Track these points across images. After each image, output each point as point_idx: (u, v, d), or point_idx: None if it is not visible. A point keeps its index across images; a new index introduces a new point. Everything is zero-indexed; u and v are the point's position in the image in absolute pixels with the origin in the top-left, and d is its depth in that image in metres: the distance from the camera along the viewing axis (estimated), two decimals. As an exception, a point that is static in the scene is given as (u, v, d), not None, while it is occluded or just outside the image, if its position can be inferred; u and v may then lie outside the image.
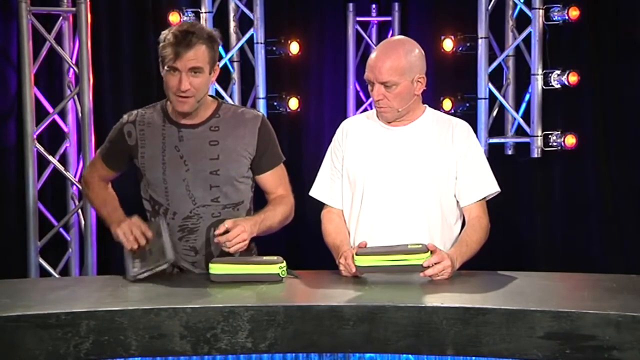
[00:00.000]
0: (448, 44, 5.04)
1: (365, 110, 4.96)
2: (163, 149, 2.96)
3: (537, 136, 4.94)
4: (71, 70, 4.94)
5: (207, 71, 2.89)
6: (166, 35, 2.88)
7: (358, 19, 5.24)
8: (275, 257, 2.77)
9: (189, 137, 2.97)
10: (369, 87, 3.01)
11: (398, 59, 2.93)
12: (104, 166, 3.13)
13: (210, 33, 2.91)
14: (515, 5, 5.05)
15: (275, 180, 3.11)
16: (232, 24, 5.01)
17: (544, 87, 4.92)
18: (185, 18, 4.94)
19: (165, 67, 2.86)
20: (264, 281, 2.71)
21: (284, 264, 2.75)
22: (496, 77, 5.06)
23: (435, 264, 2.72)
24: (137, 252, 2.82)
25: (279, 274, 2.73)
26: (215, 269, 2.74)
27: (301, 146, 5.21)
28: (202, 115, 2.99)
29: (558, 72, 4.88)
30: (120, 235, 2.85)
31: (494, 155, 4.83)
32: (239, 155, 3.00)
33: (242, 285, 2.69)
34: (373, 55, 2.98)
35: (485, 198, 3.04)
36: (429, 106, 3.13)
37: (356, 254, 2.75)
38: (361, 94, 5.28)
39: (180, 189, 2.95)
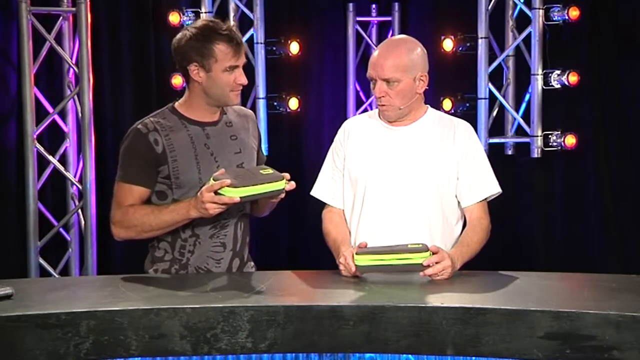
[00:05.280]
0: (448, 44, 5.04)
1: (365, 110, 4.97)
2: (195, 149, 2.95)
3: (537, 136, 4.95)
4: (71, 70, 4.94)
5: None
6: (209, 35, 2.88)
7: (358, 19, 5.24)
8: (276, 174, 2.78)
9: (213, 134, 3.00)
10: (371, 85, 3.01)
11: (400, 56, 2.94)
12: (137, 189, 2.93)
13: None
14: (515, 5, 5.05)
15: None
16: (232, 24, 5.01)
17: (544, 87, 4.92)
18: (185, 18, 4.94)
19: (225, 68, 2.89)
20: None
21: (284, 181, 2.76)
22: (496, 77, 5.07)
23: (436, 263, 2.72)
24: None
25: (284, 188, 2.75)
26: None
27: (301, 146, 5.22)
28: (217, 112, 3.03)
29: (558, 72, 4.89)
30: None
31: (494, 155, 4.82)
32: (252, 147, 3.08)
33: (242, 285, 2.69)
34: (375, 53, 2.99)
35: (486, 199, 3.04)
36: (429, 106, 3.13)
37: (356, 254, 2.75)
38: (361, 94, 5.28)
39: None
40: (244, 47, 2.96)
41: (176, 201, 2.94)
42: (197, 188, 2.88)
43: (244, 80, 2.92)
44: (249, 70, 5.04)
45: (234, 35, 2.90)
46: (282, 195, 2.80)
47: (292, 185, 2.77)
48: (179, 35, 2.94)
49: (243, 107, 3.24)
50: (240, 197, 2.71)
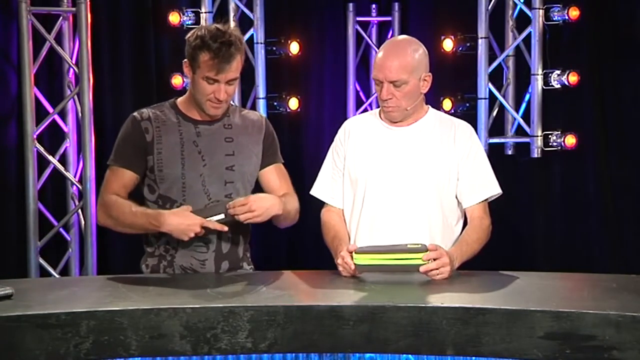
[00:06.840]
0: (448, 44, 5.04)
1: (365, 110, 4.96)
2: (182, 145, 2.98)
3: (537, 136, 4.94)
4: (71, 70, 4.94)
5: (239, 77, 2.97)
6: (204, 40, 2.87)
7: (358, 19, 5.23)
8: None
9: (206, 133, 3.01)
10: (376, 87, 3.01)
11: (406, 57, 2.94)
12: (124, 173, 3.00)
13: (240, 38, 2.96)
14: (515, 5, 5.05)
15: (279, 176, 3.12)
16: (232, 24, 5.00)
17: (544, 87, 4.92)
18: (185, 18, 4.94)
19: (204, 77, 2.89)
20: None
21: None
22: (496, 77, 5.07)
23: (434, 259, 2.71)
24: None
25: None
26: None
27: (301, 146, 5.21)
28: None
29: (558, 72, 4.89)
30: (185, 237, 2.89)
31: (494, 155, 4.82)
32: (251, 152, 3.06)
33: (242, 285, 2.70)
34: (380, 54, 2.98)
35: (487, 199, 3.04)
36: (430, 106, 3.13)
37: (355, 253, 2.74)
38: (361, 94, 5.27)
39: (197, 184, 2.97)
40: (234, 66, 2.89)
41: (162, 197, 2.98)
42: (179, 183, 2.95)
43: (220, 96, 2.91)
44: (249, 70, 5.05)
45: (223, 52, 2.85)
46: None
47: (224, 228, 2.87)
48: (193, 30, 2.99)
49: (256, 112, 3.27)
50: None
